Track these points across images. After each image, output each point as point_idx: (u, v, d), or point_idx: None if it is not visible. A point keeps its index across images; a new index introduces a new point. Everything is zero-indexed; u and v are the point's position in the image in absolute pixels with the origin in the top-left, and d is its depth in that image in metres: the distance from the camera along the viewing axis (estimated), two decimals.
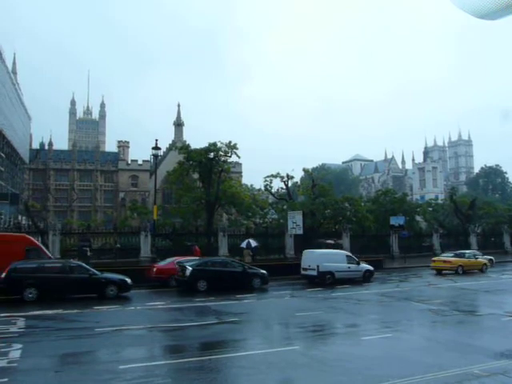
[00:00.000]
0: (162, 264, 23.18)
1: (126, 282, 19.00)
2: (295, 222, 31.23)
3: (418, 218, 49.82)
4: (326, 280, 23.49)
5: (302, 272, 24.66)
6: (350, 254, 26.65)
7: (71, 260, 21.40)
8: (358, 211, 40.12)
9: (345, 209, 40.65)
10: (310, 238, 34.68)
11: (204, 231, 35.01)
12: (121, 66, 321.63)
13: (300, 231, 31.10)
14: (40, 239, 29.01)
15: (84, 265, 19.30)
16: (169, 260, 23.40)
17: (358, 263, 25.13)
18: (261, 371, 9.19)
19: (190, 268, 20.48)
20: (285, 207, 42.17)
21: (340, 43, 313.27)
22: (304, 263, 24.69)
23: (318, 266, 23.57)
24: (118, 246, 31.24)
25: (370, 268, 25.66)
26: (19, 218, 48.80)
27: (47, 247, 27.07)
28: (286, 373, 9.22)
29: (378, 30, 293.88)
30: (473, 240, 44.13)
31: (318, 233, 38.29)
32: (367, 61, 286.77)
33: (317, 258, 24.08)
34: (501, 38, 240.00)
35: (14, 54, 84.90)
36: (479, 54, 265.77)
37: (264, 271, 22.62)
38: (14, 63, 78.62)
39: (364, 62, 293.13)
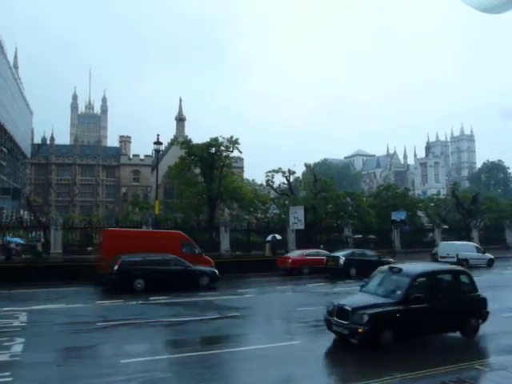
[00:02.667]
0: (294, 255, 27.58)
1: (215, 273, 20.93)
2: (297, 217, 31.24)
3: (420, 213, 49.77)
4: (463, 266, 25.26)
5: (440, 259, 28.93)
6: (477, 245, 33.51)
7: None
8: (360, 206, 40.12)
9: (347, 204, 40.64)
10: (312, 233, 34.71)
11: (206, 226, 35.04)
12: (122, 60, 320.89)
13: (302, 226, 31.10)
14: (42, 234, 29.14)
15: (180, 258, 20.56)
16: (298, 252, 28.35)
17: (484, 252, 31.70)
18: None
19: (343, 258, 25.60)
20: (286, 202, 42.18)
21: (340, 41, 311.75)
22: (442, 252, 30.30)
23: (457, 255, 29.10)
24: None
25: (492, 257, 31.80)
26: (21, 212, 48.98)
27: (49, 242, 27.20)
28: None
29: (378, 30, 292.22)
30: (475, 235, 44.07)
31: (319, 228, 38.31)
32: (367, 59, 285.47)
33: (456, 248, 30.14)
34: (504, 35, 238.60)
35: (16, 48, 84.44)
36: (482, 51, 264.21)
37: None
38: (16, 57, 78.38)
39: (364, 61, 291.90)
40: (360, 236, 38.85)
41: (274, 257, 29.32)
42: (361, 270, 23.49)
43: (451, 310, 10.68)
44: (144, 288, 18.62)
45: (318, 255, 27.54)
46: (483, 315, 11.14)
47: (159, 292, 17.78)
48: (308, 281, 23.84)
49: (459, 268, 13.56)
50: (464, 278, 11.58)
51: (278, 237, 32.69)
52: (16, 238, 28.14)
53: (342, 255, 25.94)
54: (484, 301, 11.29)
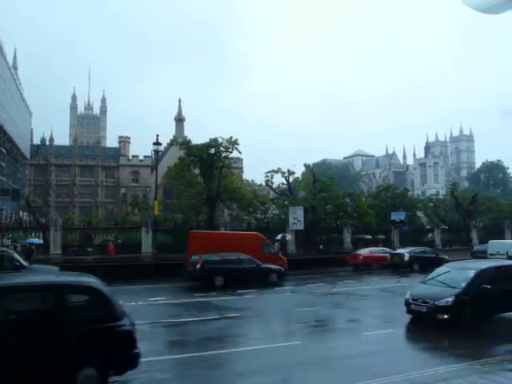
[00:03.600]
0: (365, 253, 30.18)
1: (282, 270, 22.68)
2: (296, 218, 31.26)
3: (419, 213, 49.79)
4: None
5: (489, 256, 29.97)
6: None
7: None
8: (359, 207, 40.13)
9: (346, 204, 40.66)
10: (311, 234, 34.72)
11: (205, 227, 35.00)
12: (122, 60, 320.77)
13: (301, 226, 31.12)
14: (41, 235, 29.12)
15: (253, 258, 22.10)
16: (367, 250, 31.08)
17: None
18: None
19: (408, 255, 28.88)
20: (286, 203, 42.19)
21: (340, 41, 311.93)
22: (491, 250, 31.62)
23: (507, 252, 30.39)
24: (120, 241, 31.29)
25: None
26: (21, 213, 48.92)
27: (48, 243, 27.20)
28: None
29: (378, 30, 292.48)
30: (474, 235, 44.09)
31: (319, 228, 38.32)
32: (367, 59, 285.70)
33: (505, 246, 31.54)
34: (504, 35, 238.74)
35: (15, 48, 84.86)
36: (482, 51, 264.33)
37: None
38: (15, 58, 78.68)
39: (364, 61, 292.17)
40: (370, 237, 39.65)
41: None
42: (422, 266, 27.09)
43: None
44: (223, 284, 20.41)
45: (383, 253, 30.95)
46: None
47: (237, 288, 19.50)
48: (386, 275, 27.09)
49: None
50: None
51: (288, 236, 32.91)
52: (36, 239, 28.15)
53: (406, 252, 29.46)
54: None
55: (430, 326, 12.71)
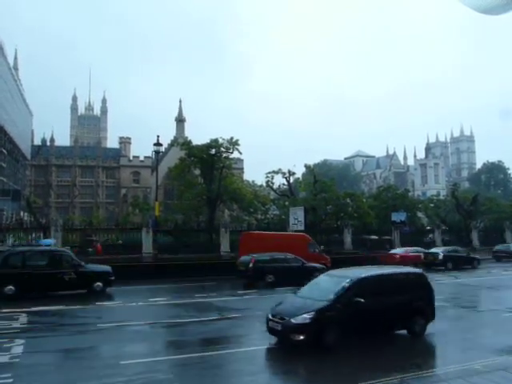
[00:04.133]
0: (401, 252, 31.50)
1: (325, 268, 22.57)
2: (297, 218, 31.27)
3: (420, 214, 49.80)
4: None
5: None
6: None
7: None
8: (360, 207, 40.13)
9: (346, 205, 40.67)
10: (312, 234, 34.62)
11: (206, 227, 35.05)
12: (122, 60, 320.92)
13: (302, 227, 31.11)
14: (42, 235, 29.13)
15: (298, 257, 23.54)
16: (402, 249, 32.57)
17: None
18: None
19: (442, 254, 30.97)
20: (286, 203, 42.22)
21: (340, 41, 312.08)
22: None
23: None
24: (120, 242, 31.30)
25: None
26: (21, 214, 48.94)
27: None
28: None
29: (378, 30, 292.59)
30: (474, 236, 44.07)
31: (319, 229, 38.31)
32: (367, 59, 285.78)
33: None
34: (504, 35, 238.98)
35: (16, 49, 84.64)
36: (482, 51, 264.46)
37: None
38: (16, 59, 78.57)
39: (364, 61, 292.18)
40: (376, 237, 40.18)
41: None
42: (455, 264, 30.34)
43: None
44: (273, 281, 21.73)
45: (417, 252, 32.32)
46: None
47: (285, 285, 20.13)
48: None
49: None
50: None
51: None
52: (49, 240, 28.14)
53: (440, 252, 31.55)
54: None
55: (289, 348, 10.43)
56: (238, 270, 22.86)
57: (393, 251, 32.93)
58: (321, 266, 23.88)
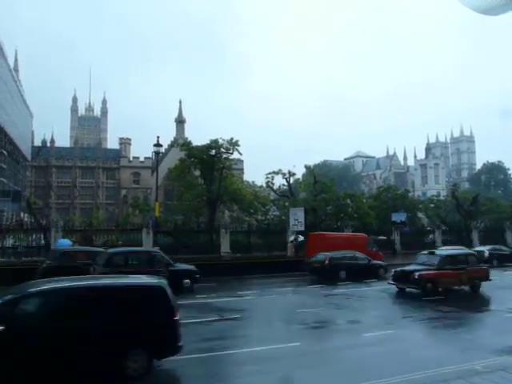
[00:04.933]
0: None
1: (387, 266, 25.75)
2: (297, 219, 31.24)
3: (420, 214, 49.72)
4: None
5: None
6: None
7: None
8: (360, 208, 40.08)
9: (346, 205, 40.61)
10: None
11: (206, 228, 35.03)
12: (122, 61, 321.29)
13: (302, 228, 31.10)
14: (42, 236, 29.14)
15: (365, 255, 26.10)
16: (445, 249, 34.48)
17: None
18: None
19: (487, 251, 31.97)
20: (286, 204, 42.15)
21: (340, 41, 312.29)
22: None
23: None
24: (120, 242, 31.29)
25: None
26: (21, 215, 48.96)
27: (49, 244, 27.22)
28: None
29: (378, 30, 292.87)
30: (475, 236, 44.02)
31: (319, 229, 38.27)
32: (368, 59, 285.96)
33: None
34: (504, 35, 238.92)
35: (16, 51, 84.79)
36: (482, 51, 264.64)
37: None
38: (16, 60, 78.69)
39: (364, 61, 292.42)
40: (385, 237, 40.55)
41: (297, 257, 29.85)
42: (500, 261, 31.81)
43: None
44: (345, 277, 23.88)
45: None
46: None
47: (356, 281, 23.08)
48: None
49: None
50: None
51: (301, 237, 32.97)
52: (66, 240, 28.12)
53: (486, 250, 32.40)
54: None
55: None
56: (312, 267, 25.41)
57: (439, 250, 33.30)
58: (382, 262, 26.73)
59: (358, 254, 25.99)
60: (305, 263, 26.61)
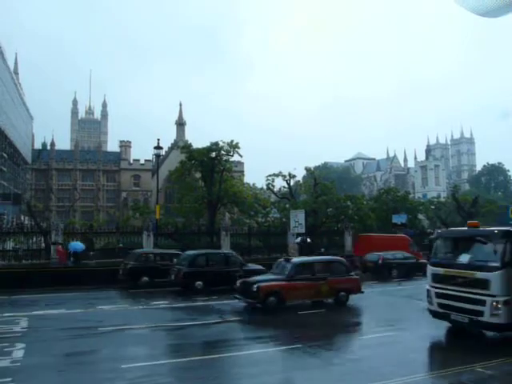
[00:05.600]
0: None
1: None
2: (297, 221, 31.19)
3: (421, 216, 49.69)
4: None
5: None
6: None
7: None
8: (360, 209, 40.04)
9: (347, 207, 40.56)
10: (313, 237, 34.62)
11: (206, 230, 35.01)
12: (122, 65, 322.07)
13: (302, 230, 31.07)
14: (43, 239, 29.11)
15: (412, 254, 28.22)
16: None
17: None
18: None
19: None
20: (287, 206, 42.13)
21: (341, 43, 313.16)
22: None
23: None
24: (121, 245, 31.25)
25: None
26: (22, 218, 48.93)
27: (49, 247, 27.21)
28: None
29: (377, 31, 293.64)
30: None
31: (320, 231, 38.27)
32: (368, 60, 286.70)
33: None
34: (505, 36, 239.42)
35: (16, 54, 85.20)
36: (483, 52, 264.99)
37: None
38: (16, 63, 78.60)
39: (365, 62, 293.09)
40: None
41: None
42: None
43: None
44: (397, 276, 25.96)
45: None
46: None
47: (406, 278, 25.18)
48: None
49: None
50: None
51: (308, 239, 32.93)
52: (79, 243, 28.24)
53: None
54: None
55: None
56: (365, 266, 27.22)
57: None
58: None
59: (407, 254, 28.00)
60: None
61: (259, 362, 9.95)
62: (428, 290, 12.34)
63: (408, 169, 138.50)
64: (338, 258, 19.65)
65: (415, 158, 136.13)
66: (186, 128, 77.56)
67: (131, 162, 76.04)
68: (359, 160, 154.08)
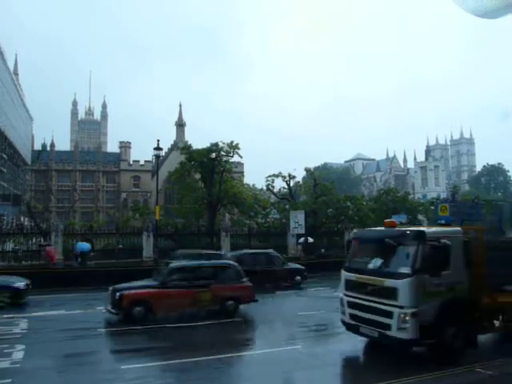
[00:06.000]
0: None
1: None
2: (297, 222, 31.21)
3: (421, 216, 49.70)
4: None
5: None
6: None
7: None
8: (360, 210, 40.08)
9: (347, 208, 40.59)
10: (313, 238, 34.68)
11: (206, 231, 35.00)
12: (122, 66, 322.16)
13: (302, 231, 31.08)
14: (42, 240, 29.10)
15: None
16: None
17: None
18: None
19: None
20: (287, 207, 42.16)
21: (341, 43, 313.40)
22: None
23: None
24: (120, 246, 31.24)
25: None
26: (21, 219, 48.92)
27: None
28: None
29: (377, 31, 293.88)
30: None
31: (320, 232, 38.28)
32: (368, 60, 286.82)
33: None
34: (505, 38, 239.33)
35: (16, 55, 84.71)
36: (483, 52, 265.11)
37: None
38: (16, 64, 78.59)
39: (365, 62, 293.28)
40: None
41: (308, 258, 30.16)
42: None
43: None
44: None
45: None
46: None
47: None
48: None
49: None
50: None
51: (310, 239, 33.11)
52: (85, 243, 28.27)
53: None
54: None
55: None
56: None
57: None
58: None
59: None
60: None
61: None
62: (341, 299, 10.84)
63: (408, 169, 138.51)
64: (229, 262, 17.39)
65: (415, 159, 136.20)
66: (186, 129, 77.66)
67: (131, 162, 76.00)
68: (359, 160, 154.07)
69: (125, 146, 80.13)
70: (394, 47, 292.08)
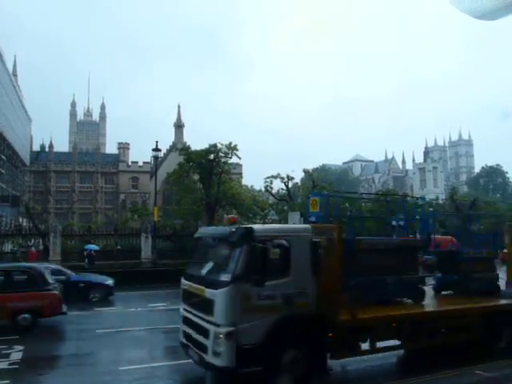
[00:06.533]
0: None
1: None
2: (295, 223, 31.19)
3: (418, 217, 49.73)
4: None
5: None
6: None
7: None
8: (359, 211, 40.06)
9: (345, 209, 40.60)
10: None
11: None
12: (121, 67, 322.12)
13: None
14: (41, 241, 29.06)
15: None
16: None
17: None
18: None
19: None
20: (285, 208, 42.14)
21: (341, 43, 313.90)
22: None
23: None
24: (119, 247, 31.21)
25: None
26: (20, 220, 48.85)
27: (48, 249, 27.13)
28: None
29: (377, 31, 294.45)
30: None
31: None
32: (368, 60, 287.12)
33: None
34: (505, 37, 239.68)
35: (15, 56, 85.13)
36: (483, 53, 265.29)
37: None
38: (15, 65, 78.78)
39: (365, 62, 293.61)
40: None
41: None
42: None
43: None
44: None
45: None
46: None
47: None
48: None
49: None
50: None
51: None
52: (93, 245, 28.37)
53: None
54: None
55: None
56: None
57: None
58: None
59: None
60: None
61: None
62: (181, 313, 8.89)
63: (406, 171, 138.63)
64: (30, 265, 14.66)
65: (413, 160, 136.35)
66: (185, 130, 77.66)
67: (129, 164, 75.99)
68: (357, 162, 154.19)
69: (123, 147, 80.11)
70: (393, 47, 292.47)
